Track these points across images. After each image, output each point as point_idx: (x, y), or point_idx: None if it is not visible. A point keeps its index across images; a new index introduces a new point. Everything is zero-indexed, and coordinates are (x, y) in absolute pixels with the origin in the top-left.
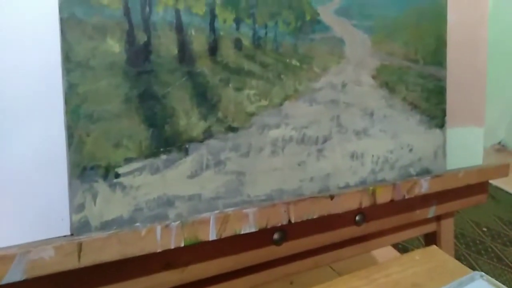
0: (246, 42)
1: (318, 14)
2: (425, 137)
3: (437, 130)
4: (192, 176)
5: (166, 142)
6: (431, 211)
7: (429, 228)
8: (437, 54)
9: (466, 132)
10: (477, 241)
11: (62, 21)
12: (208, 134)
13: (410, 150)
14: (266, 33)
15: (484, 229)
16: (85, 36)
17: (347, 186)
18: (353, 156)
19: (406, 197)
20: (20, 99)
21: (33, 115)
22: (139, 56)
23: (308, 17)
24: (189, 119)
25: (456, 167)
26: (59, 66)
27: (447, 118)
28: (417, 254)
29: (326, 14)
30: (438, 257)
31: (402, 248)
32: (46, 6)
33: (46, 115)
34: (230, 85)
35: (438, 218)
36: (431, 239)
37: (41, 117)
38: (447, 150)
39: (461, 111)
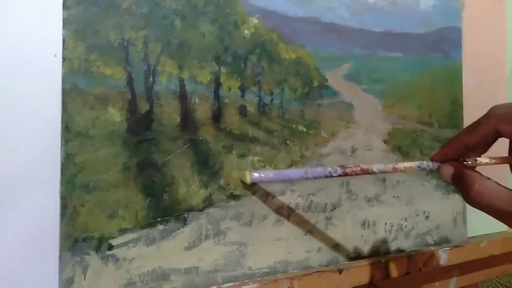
0: (251, 108)
1: (326, 80)
2: (443, 203)
3: (456, 196)
4: (190, 247)
5: (164, 211)
6: (452, 284)
7: None
8: (453, 117)
9: None
10: None
11: (64, 92)
12: (208, 203)
13: (427, 217)
14: (272, 100)
15: None
16: (86, 107)
17: (358, 256)
18: (364, 224)
19: (423, 270)
20: (15, 174)
21: (27, 189)
22: (140, 124)
23: (315, 83)
24: (189, 187)
25: (479, 234)
26: (58, 136)
27: None
28: None
29: (335, 80)
30: None
31: None
32: (49, 77)
33: (41, 187)
34: (233, 151)
35: None
36: None
37: (36, 190)
38: (468, 216)
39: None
